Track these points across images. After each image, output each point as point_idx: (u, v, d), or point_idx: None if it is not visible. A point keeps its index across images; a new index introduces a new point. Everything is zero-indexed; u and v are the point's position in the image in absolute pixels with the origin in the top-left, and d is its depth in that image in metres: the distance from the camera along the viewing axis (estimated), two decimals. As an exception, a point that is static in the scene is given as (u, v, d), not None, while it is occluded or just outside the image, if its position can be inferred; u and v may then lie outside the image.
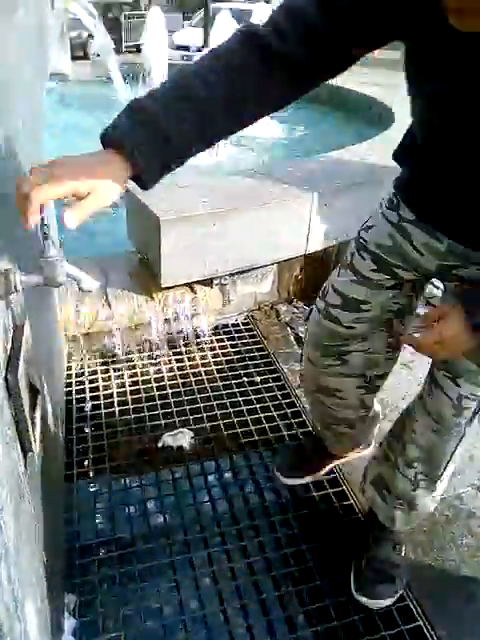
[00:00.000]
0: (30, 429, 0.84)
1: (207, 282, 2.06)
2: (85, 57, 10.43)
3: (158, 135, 0.70)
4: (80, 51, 10.60)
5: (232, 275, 2.09)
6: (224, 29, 6.12)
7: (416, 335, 0.93)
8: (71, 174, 0.66)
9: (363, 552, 1.31)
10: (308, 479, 1.53)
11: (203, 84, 0.73)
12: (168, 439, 1.65)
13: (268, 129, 5.07)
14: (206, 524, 1.41)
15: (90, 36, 10.56)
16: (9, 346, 0.81)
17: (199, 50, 8.08)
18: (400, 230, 1.01)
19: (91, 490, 1.49)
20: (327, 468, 1.55)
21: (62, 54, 6.81)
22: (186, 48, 9.39)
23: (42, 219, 0.70)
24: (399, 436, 1.19)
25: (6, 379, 0.76)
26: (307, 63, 0.78)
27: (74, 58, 8.93)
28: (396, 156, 1.01)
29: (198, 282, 2.05)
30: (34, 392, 0.92)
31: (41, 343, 1.17)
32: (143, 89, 6.41)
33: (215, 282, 2.07)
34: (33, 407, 0.88)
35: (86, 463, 1.56)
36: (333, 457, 1.54)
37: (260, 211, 2.04)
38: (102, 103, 5.20)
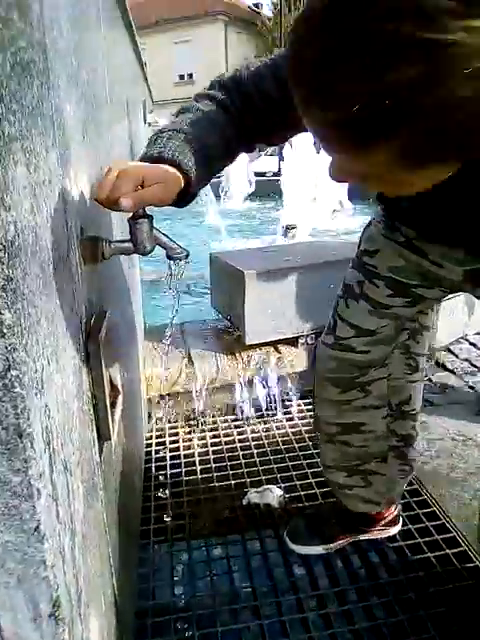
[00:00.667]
0: (109, 417, 0.77)
1: (292, 342, 1.99)
2: None
3: (200, 154, 0.77)
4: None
5: (318, 334, 2.00)
6: (293, 158, 6.66)
7: None
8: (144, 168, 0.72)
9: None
10: (320, 550, 1.29)
11: (219, 132, 0.82)
12: (254, 496, 1.49)
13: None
14: (301, 586, 1.20)
15: None
16: (91, 319, 0.77)
17: (275, 174, 8.84)
18: (411, 248, 0.96)
19: (169, 552, 1.33)
20: (343, 542, 1.30)
21: None
22: (263, 174, 10.29)
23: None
24: None
25: (86, 346, 0.71)
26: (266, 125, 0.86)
27: None
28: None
29: (283, 342, 1.98)
30: (114, 389, 0.86)
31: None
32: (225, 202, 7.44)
33: (300, 341, 1.99)
34: (113, 403, 0.81)
35: (164, 526, 1.41)
36: (352, 531, 1.30)
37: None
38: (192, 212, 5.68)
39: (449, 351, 2.46)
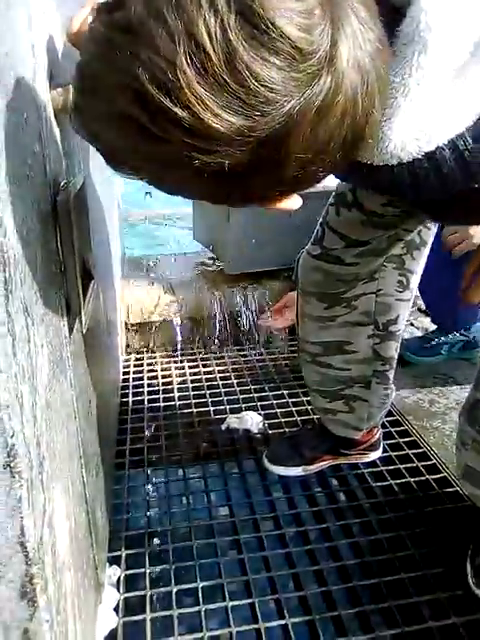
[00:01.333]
0: (79, 289, 0.70)
1: (276, 275, 1.92)
2: None
3: None
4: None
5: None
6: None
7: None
8: None
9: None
10: (300, 471, 1.26)
11: None
12: (233, 421, 1.45)
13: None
14: (279, 506, 1.17)
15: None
16: (61, 179, 0.69)
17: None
18: None
19: (145, 479, 1.27)
20: (323, 464, 1.27)
21: None
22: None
23: None
24: (472, 415, 0.92)
25: (54, 201, 0.63)
26: None
27: None
28: None
29: (268, 276, 1.91)
30: (88, 276, 0.78)
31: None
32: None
33: (285, 274, 1.92)
34: (85, 287, 0.74)
35: (140, 452, 1.36)
36: (332, 454, 1.27)
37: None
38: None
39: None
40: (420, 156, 0.51)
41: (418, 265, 1.06)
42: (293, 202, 0.50)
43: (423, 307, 2.17)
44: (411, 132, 0.50)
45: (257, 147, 0.39)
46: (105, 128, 0.43)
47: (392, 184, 0.56)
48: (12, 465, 0.46)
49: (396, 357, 1.15)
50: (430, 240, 1.05)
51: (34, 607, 0.52)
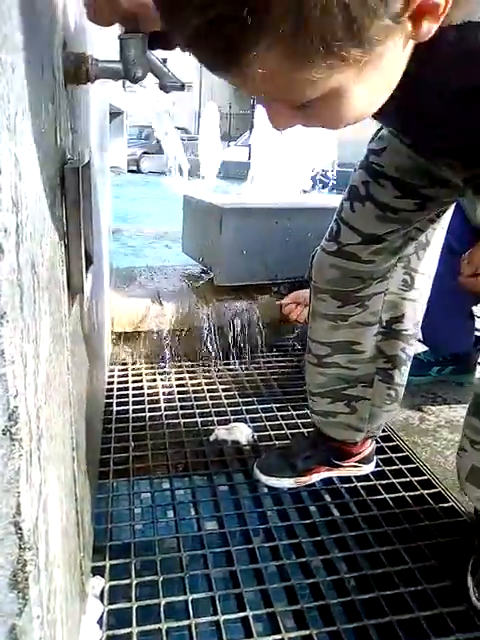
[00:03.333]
0: (83, 267, 0.66)
1: (266, 289, 1.90)
2: (138, 171, 11.68)
3: None
4: (134, 166, 11.71)
5: (293, 284, 1.93)
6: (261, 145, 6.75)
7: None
8: None
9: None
10: (292, 483, 1.21)
11: None
12: (222, 433, 1.40)
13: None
14: (276, 530, 1.10)
15: (144, 153, 12.31)
16: (70, 155, 0.67)
17: (246, 165, 9.05)
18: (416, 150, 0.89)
19: (130, 489, 1.20)
20: (315, 476, 1.23)
21: (120, 153, 7.53)
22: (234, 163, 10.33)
23: None
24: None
25: (62, 172, 0.61)
26: None
27: (129, 172, 9.89)
28: None
29: (256, 290, 1.89)
30: (88, 258, 0.75)
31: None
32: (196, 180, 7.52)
33: (274, 289, 1.91)
34: (87, 265, 0.71)
35: (125, 464, 1.29)
36: (325, 465, 1.24)
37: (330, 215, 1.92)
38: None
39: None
40: None
41: (423, 266, 1.07)
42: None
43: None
44: None
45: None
46: None
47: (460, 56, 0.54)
48: (13, 431, 0.41)
49: (403, 358, 1.13)
50: (435, 242, 1.05)
51: (25, 600, 0.47)
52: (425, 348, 1.89)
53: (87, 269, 0.73)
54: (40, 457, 0.49)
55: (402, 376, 1.15)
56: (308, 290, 1.20)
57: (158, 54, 0.67)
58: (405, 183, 0.93)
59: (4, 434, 0.41)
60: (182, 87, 0.66)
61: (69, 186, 0.60)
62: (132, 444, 1.35)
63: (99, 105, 1.36)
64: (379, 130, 0.99)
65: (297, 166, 6.09)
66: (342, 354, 1.10)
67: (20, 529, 0.44)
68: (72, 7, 0.71)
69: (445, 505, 1.20)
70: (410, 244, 1.01)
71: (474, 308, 1.85)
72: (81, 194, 0.62)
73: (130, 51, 0.63)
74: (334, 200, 2.25)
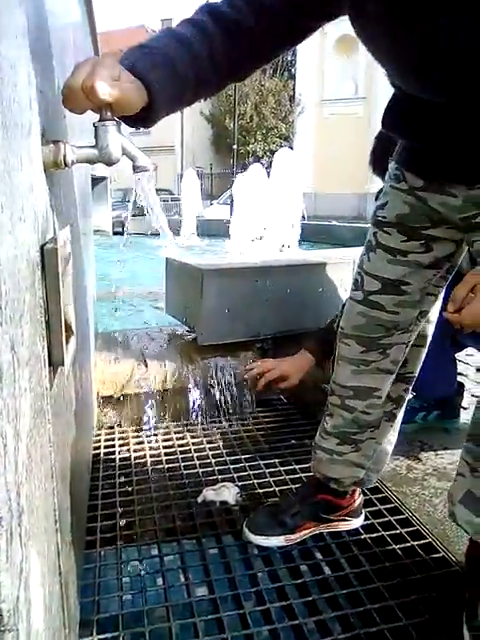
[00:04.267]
0: (62, 340, 0.69)
1: (249, 346, 1.93)
2: (123, 233, 12.05)
3: (167, 69, 0.75)
4: (119, 228, 12.03)
5: (276, 339, 1.96)
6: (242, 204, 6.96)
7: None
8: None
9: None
10: (282, 540, 1.21)
11: (190, 53, 0.79)
12: (210, 494, 1.39)
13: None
14: (267, 593, 1.08)
15: (130, 215, 12.70)
16: (48, 232, 0.71)
17: (227, 222, 9.26)
18: (413, 196, 1.01)
19: (117, 557, 1.18)
20: (305, 532, 1.23)
21: (105, 216, 7.73)
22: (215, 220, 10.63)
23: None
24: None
25: (42, 251, 0.64)
26: (261, 30, 0.85)
27: (114, 234, 10.19)
28: (387, 126, 1.03)
29: (241, 347, 1.92)
30: (68, 330, 0.78)
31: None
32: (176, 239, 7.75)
33: (257, 345, 1.94)
34: (67, 338, 0.73)
35: (112, 531, 1.27)
36: (314, 520, 1.24)
37: (308, 271, 1.98)
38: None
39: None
40: None
41: (434, 314, 1.17)
42: None
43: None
44: None
45: None
46: None
47: None
48: (-9, 507, 0.43)
49: (405, 397, 1.22)
50: (441, 295, 1.13)
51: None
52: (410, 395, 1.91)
53: (68, 341, 0.76)
54: (21, 533, 0.50)
55: (402, 413, 1.24)
56: (275, 360, 1.36)
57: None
58: (408, 227, 1.03)
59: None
60: (155, 168, 0.71)
61: (49, 265, 0.63)
62: (119, 510, 1.34)
63: (81, 176, 1.42)
64: (381, 190, 1.12)
65: (274, 222, 6.30)
66: (362, 400, 1.15)
67: (0, 610, 0.45)
68: (49, 96, 0.76)
69: (436, 556, 1.19)
70: (429, 299, 1.10)
71: (456, 354, 1.90)
72: (60, 271, 0.66)
73: (105, 137, 0.68)
74: (310, 256, 2.32)
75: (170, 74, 0.74)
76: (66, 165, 0.69)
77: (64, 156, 0.68)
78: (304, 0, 0.85)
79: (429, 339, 1.19)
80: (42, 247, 0.64)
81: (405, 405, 1.24)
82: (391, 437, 1.26)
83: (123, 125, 0.74)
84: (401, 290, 1.06)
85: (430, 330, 1.18)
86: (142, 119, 0.74)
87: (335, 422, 1.20)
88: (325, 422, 1.24)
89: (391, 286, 1.06)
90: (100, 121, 0.67)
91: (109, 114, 0.67)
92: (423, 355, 1.20)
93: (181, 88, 0.78)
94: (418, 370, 1.21)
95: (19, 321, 0.52)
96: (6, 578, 0.45)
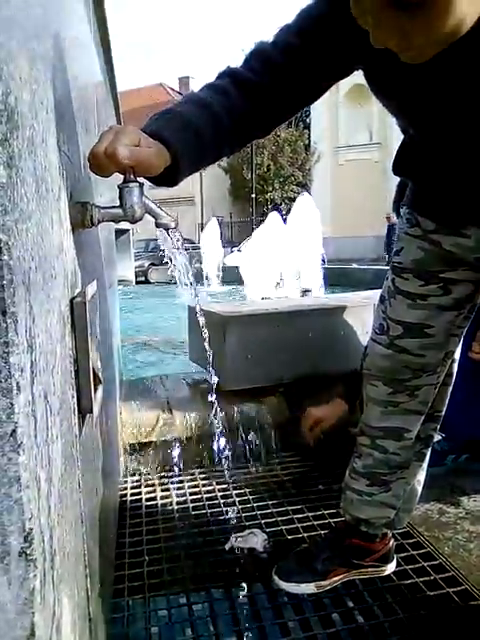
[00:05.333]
0: (91, 387, 0.72)
1: (272, 391, 1.94)
2: (147, 282, 12.26)
3: (189, 132, 0.79)
4: (142, 277, 12.28)
5: (299, 384, 1.97)
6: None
7: None
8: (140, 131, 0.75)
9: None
10: (313, 588, 1.18)
11: (210, 114, 0.83)
12: (237, 541, 1.38)
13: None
14: (293, 630, 1.07)
15: (152, 264, 12.94)
16: (76, 286, 0.75)
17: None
18: (427, 240, 1.04)
19: (145, 607, 1.17)
20: (336, 579, 1.21)
21: (128, 266, 7.97)
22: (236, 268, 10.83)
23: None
24: None
25: (71, 304, 0.68)
26: (278, 91, 0.89)
27: (137, 283, 10.42)
28: (399, 170, 1.06)
29: (264, 392, 1.94)
30: (96, 377, 0.81)
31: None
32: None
33: (280, 390, 1.94)
34: (95, 387, 0.77)
35: (140, 577, 1.26)
36: (346, 566, 1.22)
37: (328, 315, 2.00)
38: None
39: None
40: None
41: (457, 353, 1.17)
42: None
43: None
44: None
45: None
46: None
47: None
48: (28, 552, 0.45)
49: (433, 436, 1.22)
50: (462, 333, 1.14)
51: None
52: (439, 436, 1.89)
53: (96, 390, 0.79)
54: (54, 576, 0.52)
55: (429, 451, 1.24)
56: (321, 407, 1.42)
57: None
58: (424, 271, 1.05)
59: (20, 556, 0.45)
60: (176, 226, 0.76)
61: (78, 318, 0.67)
62: (147, 558, 1.33)
63: (106, 231, 1.49)
64: (391, 226, 1.14)
65: (294, 267, 6.37)
66: (392, 440, 1.15)
67: (35, 651, 0.46)
68: (75, 159, 0.82)
69: (474, 603, 1.15)
70: (454, 340, 1.10)
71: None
72: (88, 323, 0.70)
73: (129, 197, 0.73)
74: (331, 299, 2.35)
75: (192, 135, 0.79)
76: (93, 224, 0.74)
77: (91, 216, 0.73)
78: (317, 63, 0.89)
79: (454, 377, 1.19)
80: (71, 301, 0.68)
81: (432, 443, 1.24)
82: (420, 477, 1.25)
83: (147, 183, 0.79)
84: (425, 333, 1.07)
85: (455, 368, 1.19)
86: (167, 179, 0.79)
87: (365, 462, 1.20)
88: (354, 462, 1.24)
89: (414, 330, 1.08)
90: (124, 182, 0.72)
91: (132, 176, 0.71)
92: (449, 393, 1.20)
93: (203, 147, 0.82)
94: (445, 408, 1.21)
95: (51, 372, 0.55)
96: (40, 619, 0.46)
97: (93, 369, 0.77)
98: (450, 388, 1.20)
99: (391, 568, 1.25)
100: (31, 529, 0.45)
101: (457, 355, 1.17)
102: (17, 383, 0.42)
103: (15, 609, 0.45)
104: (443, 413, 1.21)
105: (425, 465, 1.25)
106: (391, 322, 1.11)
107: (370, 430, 1.19)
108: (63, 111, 0.72)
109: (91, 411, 0.72)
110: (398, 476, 1.19)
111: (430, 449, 1.23)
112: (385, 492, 1.19)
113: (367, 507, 1.21)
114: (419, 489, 1.27)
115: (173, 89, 31.21)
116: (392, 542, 1.26)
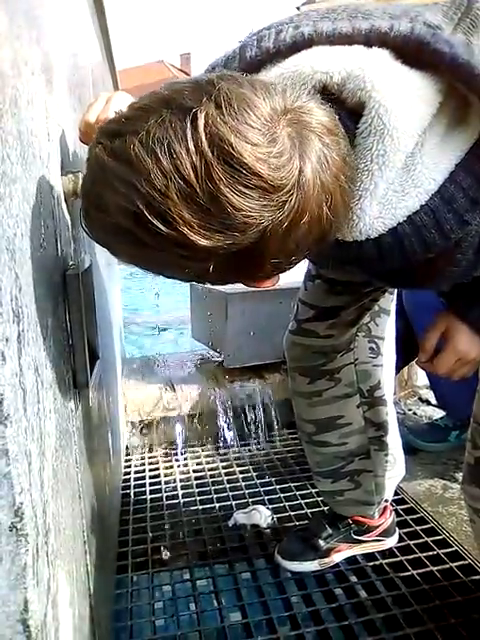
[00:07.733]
0: (86, 364, 0.71)
1: (276, 368, 1.93)
2: None
3: None
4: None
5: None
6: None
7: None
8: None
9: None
10: (316, 565, 1.18)
11: None
12: (241, 517, 1.38)
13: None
14: (302, 617, 1.06)
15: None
16: (70, 264, 0.73)
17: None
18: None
19: (149, 582, 1.18)
20: (339, 555, 1.20)
21: None
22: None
23: None
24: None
25: (64, 277, 0.66)
26: None
27: None
28: None
29: (267, 369, 1.92)
30: (93, 355, 0.80)
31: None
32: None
33: (283, 367, 1.93)
34: (91, 362, 0.75)
35: (143, 556, 1.27)
36: (347, 542, 1.21)
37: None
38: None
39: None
40: (385, 232, 0.58)
41: (383, 331, 1.11)
42: (272, 280, 0.59)
43: (424, 397, 2.18)
44: (377, 211, 0.56)
45: (236, 255, 0.48)
46: (110, 237, 0.53)
47: (358, 257, 0.63)
48: (19, 526, 0.44)
49: (389, 423, 1.15)
50: (388, 308, 1.10)
51: None
52: (442, 413, 1.87)
53: (92, 365, 0.77)
54: (48, 552, 0.51)
55: (395, 439, 1.18)
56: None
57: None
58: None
59: (11, 530, 0.43)
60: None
61: (71, 291, 0.65)
62: (150, 535, 1.34)
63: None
64: None
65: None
66: (329, 431, 1.12)
67: (28, 627, 0.45)
68: (68, 129, 0.80)
69: (476, 577, 1.15)
70: (365, 314, 1.06)
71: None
72: (83, 296, 0.68)
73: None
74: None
75: None
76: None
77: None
78: None
79: (390, 356, 1.13)
80: (64, 273, 0.66)
81: (395, 429, 1.17)
82: (390, 469, 1.17)
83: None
84: (335, 313, 1.03)
85: (386, 346, 1.11)
86: None
87: (314, 459, 1.18)
88: (308, 459, 1.21)
89: (325, 313, 1.04)
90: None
91: None
92: (390, 374, 1.14)
93: None
94: (385, 388, 1.13)
95: (42, 345, 0.53)
96: (33, 594, 0.45)
97: (90, 344, 0.76)
98: (388, 368, 1.14)
99: (393, 542, 1.24)
100: (22, 503, 0.43)
101: (387, 334, 1.11)
102: (2, 353, 0.40)
103: (7, 585, 0.44)
104: (387, 396, 1.13)
105: (397, 457, 1.19)
106: (303, 305, 1.07)
107: (304, 424, 1.15)
108: (52, 76, 0.69)
109: (87, 386, 0.71)
110: (359, 466, 1.14)
111: (393, 436, 1.16)
112: (355, 489, 1.15)
113: (344, 507, 1.19)
114: (395, 482, 1.22)
115: (174, 66, 30.75)
116: (393, 516, 1.25)
